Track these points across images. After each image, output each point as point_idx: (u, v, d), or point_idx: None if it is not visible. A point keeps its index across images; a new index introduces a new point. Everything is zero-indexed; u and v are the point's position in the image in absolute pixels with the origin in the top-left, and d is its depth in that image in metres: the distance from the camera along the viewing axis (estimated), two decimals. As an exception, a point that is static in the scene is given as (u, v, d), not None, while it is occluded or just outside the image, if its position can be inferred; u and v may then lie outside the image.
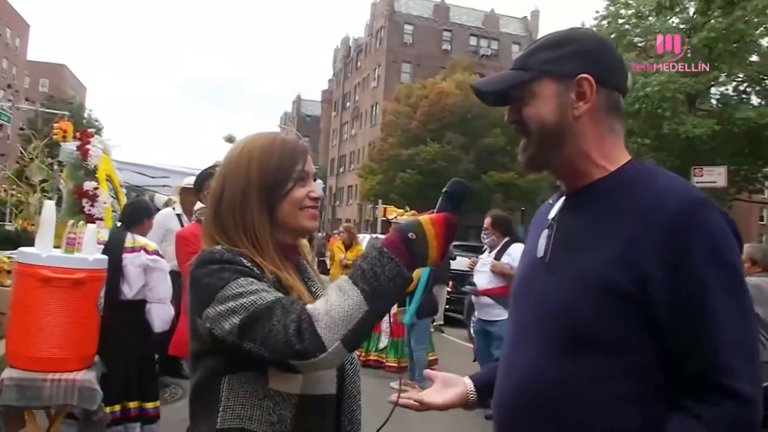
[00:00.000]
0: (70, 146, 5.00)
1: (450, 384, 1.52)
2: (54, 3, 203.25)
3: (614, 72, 1.32)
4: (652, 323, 1.13)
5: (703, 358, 1.11)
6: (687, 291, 1.11)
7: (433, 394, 1.51)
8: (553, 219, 1.34)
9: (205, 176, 3.59)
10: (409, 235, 1.24)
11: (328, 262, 23.06)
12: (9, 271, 5.14)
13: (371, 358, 8.21)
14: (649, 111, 20.90)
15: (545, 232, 1.33)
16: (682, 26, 21.93)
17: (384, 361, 8.14)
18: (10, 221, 9.20)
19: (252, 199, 1.38)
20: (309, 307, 1.20)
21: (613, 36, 22.54)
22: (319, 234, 35.08)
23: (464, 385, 1.52)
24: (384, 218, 9.05)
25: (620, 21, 22.81)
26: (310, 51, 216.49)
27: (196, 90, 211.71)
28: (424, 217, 1.27)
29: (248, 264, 1.30)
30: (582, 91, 1.26)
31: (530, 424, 1.23)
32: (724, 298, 1.11)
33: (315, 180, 1.50)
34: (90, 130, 5.00)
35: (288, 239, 1.43)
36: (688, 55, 21.22)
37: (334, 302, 1.19)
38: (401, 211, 8.85)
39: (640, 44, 23.01)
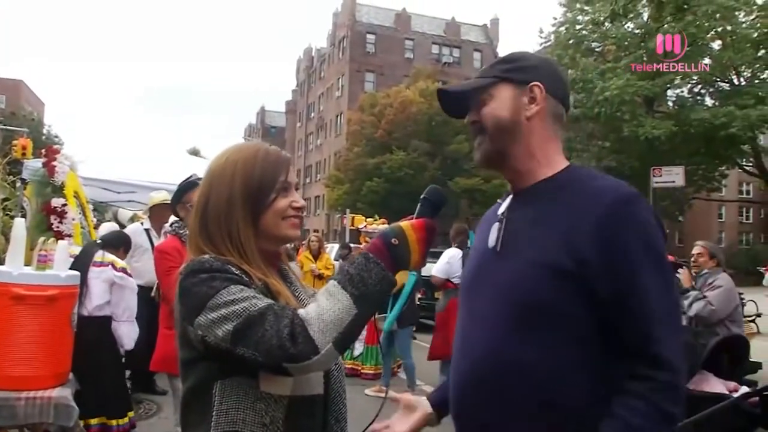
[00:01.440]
0: (34, 163, 4.95)
1: (412, 408, 1.63)
2: (6, 19, 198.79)
3: (560, 86, 1.53)
4: (591, 299, 1.30)
5: (636, 330, 1.29)
6: (621, 270, 1.30)
7: (399, 423, 1.61)
8: (502, 214, 1.50)
9: (184, 189, 3.58)
10: (392, 240, 1.31)
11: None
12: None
13: (347, 366, 8.17)
14: (608, 114, 21.38)
15: (496, 225, 1.50)
16: (637, 31, 22.52)
17: (359, 368, 8.15)
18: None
19: (236, 209, 1.41)
20: (300, 311, 1.24)
21: (571, 42, 23.06)
22: (288, 245, 34.95)
23: (424, 407, 1.63)
24: (353, 227, 9.09)
25: (578, 27, 23.32)
26: (273, 61, 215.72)
27: (158, 102, 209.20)
28: (405, 223, 1.35)
29: (237, 272, 1.33)
30: (533, 97, 1.47)
31: (486, 396, 1.38)
32: (653, 276, 1.30)
33: (297, 189, 1.54)
34: (55, 147, 4.94)
35: (272, 247, 1.47)
36: (644, 59, 21.82)
37: (324, 306, 1.24)
38: (371, 219, 8.90)
39: (597, 49, 23.56)
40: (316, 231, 42.95)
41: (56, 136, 50.14)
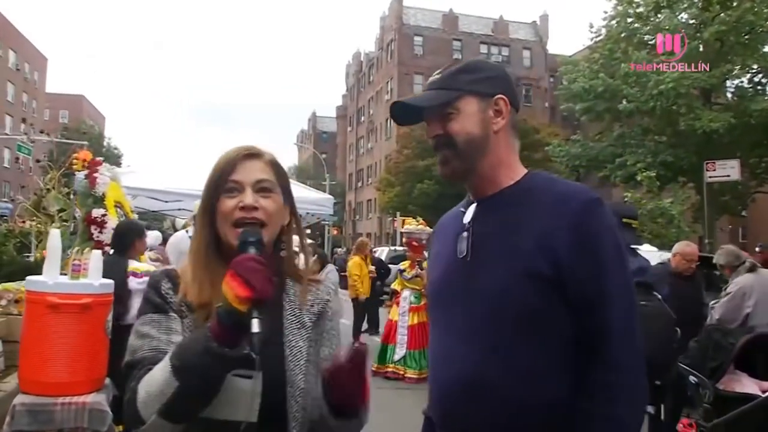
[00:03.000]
0: (81, 175, 5.11)
1: None
2: (70, 35, 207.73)
3: (516, 97, 1.54)
4: (567, 300, 1.34)
5: (597, 327, 1.34)
6: (593, 270, 1.35)
7: None
8: (469, 223, 1.49)
9: None
10: (218, 306, 1.20)
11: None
12: (28, 301, 5.27)
13: (388, 369, 8.23)
14: (664, 108, 20.74)
15: (463, 234, 1.49)
16: (691, 21, 21.76)
17: (402, 372, 8.14)
18: (30, 252, 9.36)
19: (200, 215, 1.42)
20: (144, 378, 1.22)
21: (623, 35, 22.48)
22: (340, 249, 35.32)
23: None
24: (402, 230, 9.12)
25: (629, 20, 22.70)
26: (323, 68, 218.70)
27: (212, 113, 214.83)
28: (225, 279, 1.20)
29: (165, 288, 1.35)
30: (499, 109, 1.48)
31: (476, 405, 1.38)
32: (619, 277, 1.37)
33: (269, 192, 1.40)
34: (97, 159, 5.10)
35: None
36: (700, 49, 21.07)
37: (153, 375, 1.21)
38: (410, 220, 8.87)
39: (650, 42, 22.86)
40: (368, 235, 43.15)
41: (116, 148, 52.17)
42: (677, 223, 17.12)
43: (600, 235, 1.37)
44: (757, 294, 5.00)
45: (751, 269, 5.15)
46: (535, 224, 1.38)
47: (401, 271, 8.47)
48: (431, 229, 7.52)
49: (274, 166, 1.46)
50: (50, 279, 3.14)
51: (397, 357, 8.21)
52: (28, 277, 3.33)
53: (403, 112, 1.55)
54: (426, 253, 8.46)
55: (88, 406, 3.11)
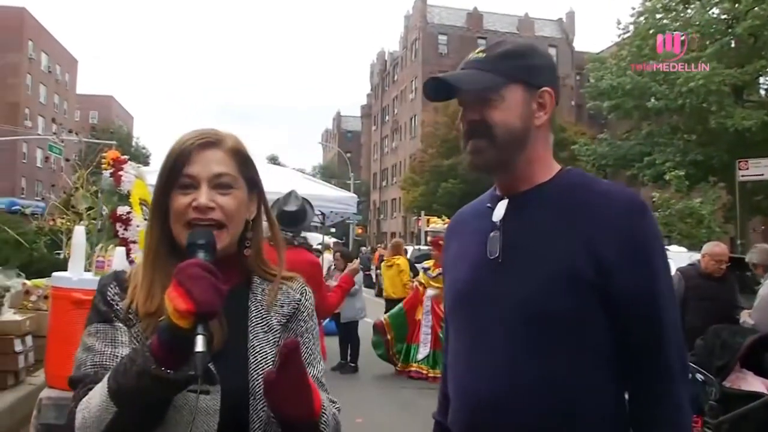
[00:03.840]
0: (107, 173, 5.16)
1: None
2: (99, 37, 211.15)
3: (559, 89, 1.43)
4: (611, 307, 1.25)
5: (649, 337, 1.27)
6: (642, 277, 1.27)
7: None
8: (500, 221, 1.38)
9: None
10: (160, 319, 1.07)
11: (373, 276, 23.18)
12: (56, 297, 5.35)
13: (412, 369, 8.23)
14: (694, 106, 20.39)
15: (494, 233, 1.37)
16: (723, 16, 21.35)
17: (426, 372, 8.10)
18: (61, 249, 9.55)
19: (151, 211, 1.28)
20: (83, 400, 1.11)
21: (651, 31, 22.13)
22: (364, 248, 35.36)
23: None
24: (428, 229, 9.08)
25: (658, 16, 22.35)
26: (348, 67, 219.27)
27: (237, 113, 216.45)
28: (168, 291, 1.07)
29: (112, 294, 1.23)
30: (543, 103, 1.37)
31: (507, 418, 1.27)
32: (666, 284, 1.31)
33: (229, 188, 1.24)
34: (123, 157, 5.14)
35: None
36: (732, 45, 20.65)
37: (90, 399, 1.09)
38: (435, 219, 8.83)
39: (681, 38, 22.49)
40: (393, 234, 43.09)
41: (144, 148, 52.95)
42: (707, 223, 16.82)
43: (651, 242, 1.30)
44: None
45: None
46: (578, 225, 1.29)
47: (426, 269, 8.45)
48: None
49: (237, 154, 1.28)
50: (75, 275, 3.17)
51: (420, 356, 8.19)
52: (54, 274, 3.37)
53: (436, 87, 1.40)
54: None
55: (113, 401, 3.14)
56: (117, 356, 1.16)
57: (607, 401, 1.27)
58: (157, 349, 1.02)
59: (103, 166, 9.70)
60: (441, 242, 8.32)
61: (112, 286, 1.24)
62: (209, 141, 1.25)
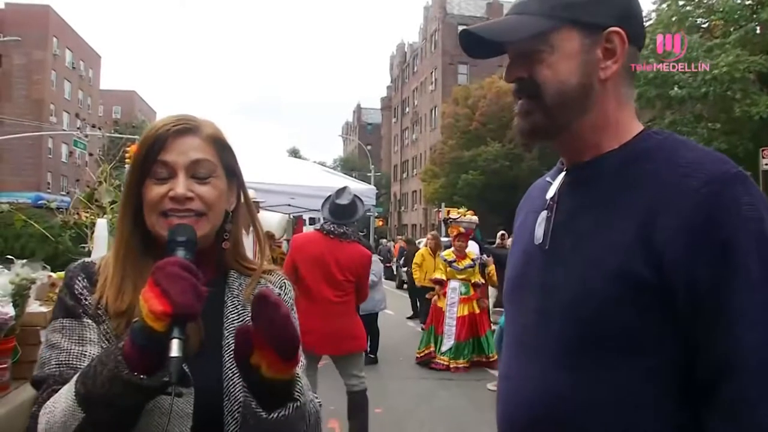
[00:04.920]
0: (127, 168, 5.29)
1: None
2: (122, 33, 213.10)
3: (641, 26, 1.12)
4: (674, 315, 0.96)
5: (716, 365, 0.94)
6: (715, 278, 0.93)
7: None
8: (552, 199, 1.14)
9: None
10: (134, 320, 0.99)
11: (394, 268, 23.22)
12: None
13: (434, 360, 8.29)
14: (718, 94, 20.05)
15: (543, 213, 1.14)
16: (748, 2, 20.95)
17: (448, 363, 8.16)
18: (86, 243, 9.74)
19: (123, 199, 1.20)
20: (47, 404, 1.03)
21: (674, 19, 21.81)
22: (384, 240, 35.41)
23: None
24: (447, 217, 9.04)
25: (681, 3, 22.01)
26: (367, 59, 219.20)
27: (259, 106, 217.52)
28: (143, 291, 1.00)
29: (80, 287, 1.15)
30: (611, 48, 1.06)
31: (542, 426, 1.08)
32: (758, 287, 0.92)
33: (207, 177, 1.16)
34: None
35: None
36: (757, 32, 20.24)
37: (55, 402, 1.01)
38: (463, 210, 8.80)
39: (703, 25, 22.15)
40: (414, 226, 42.97)
41: (167, 143, 53.35)
42: (732, 212, 16.59)
43: (732, 229, 0.93)
44: None
45: None
46: (640, 207, 0.99)
47: (451, 262, 8.41)
48: (476, 220, 7.41)
49: (215, 141, 1.20)
50: (98, 267, 3.26)
51: (444, 348, 8.24)
52: (77, 265, 3.46)
53: (477, 41, 1.12)
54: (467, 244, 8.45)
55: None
56: (85, 355, 1.09)
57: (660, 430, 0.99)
58: (130, 352, 0.95)
59: (126, 160, 9.88)
60: (462, 230, 8.35)
61: (80, 278, 1.16)
62: (186, 127, 1.17)
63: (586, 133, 1.10)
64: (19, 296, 4.36)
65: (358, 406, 4.70)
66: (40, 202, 15.70)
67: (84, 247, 10.30)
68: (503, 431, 1.17)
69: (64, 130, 45.18)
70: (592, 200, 1.07)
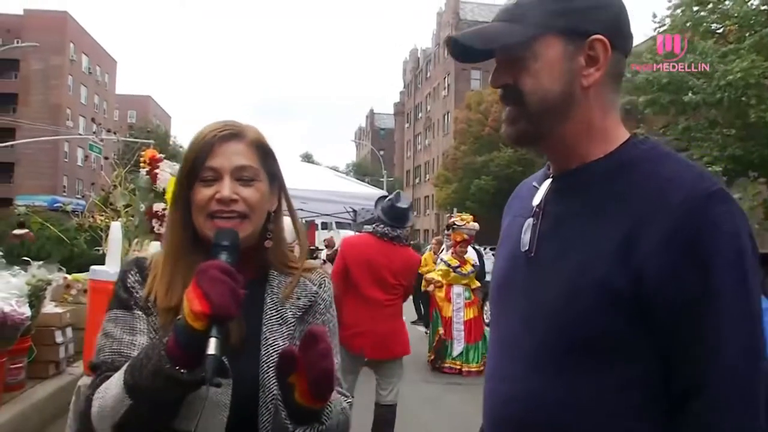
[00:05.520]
0: (143, 171, 5.36)
1: None
2: (137, 38, 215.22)
3: (625, 32, 1.12)
4: (652, 327, 0.98)
5: (689, 385, 0.97)
6: (688, 300, 0.96)
7: None
8: (538, 206, 1.15)
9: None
10: (177, 318, 1.08)
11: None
12: (95, 291, 5.59)
13: (446, 365, 8.36)
14: (732, 100, 19.89)
15: (529, 221, 1.16)
16: (763, 7, 20.81)
17: (459, 367, 8.26)
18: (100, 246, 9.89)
19: (172, 204, 1.30)
20: (100, 389, 1.14)
21: (688, 24, 21.71)
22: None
23: None
24: (450, 223, 9.11)
25: (695, 8, 21.90)
26: (381, 65, 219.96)
27: (273, 111, 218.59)
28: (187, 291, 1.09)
29: (132, 281, 1.25)
30: (594, 56, 1.07)
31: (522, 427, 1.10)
32: (733, 302, 0.95)
33: (251, 180, 1.24)
34: (158, 155, 5.33)
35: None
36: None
37: (107, 388, 1.12)
38: (468, 217, 8.86)
39: (718, 31, 22.06)
40: (426, 231, 42.92)
41: (181, 147, 53.69)
42: (747, 219, 16.45)
43: (711, 245, 0.95)
44: None
45: None
46: (623, 219, 1.00)
47: (455, 268, 8.46)
48: (477, 226, 7.43)
49: (258, 147, 1.28)
50: (112, 269, 3.32)
51: (456, 352, 8.35)
52: (92, 267, 3.53)
53: (463, 48, 1.13)
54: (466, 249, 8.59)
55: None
56: (135, 344, 1.18)
57: None
58: (172, 348, 1.04)
59: (141, 164, 9.97)
60: (465, 236, 8.46)
61: (132, 272, 1.26)
62: (231, 133, 1.25)
63: (571, 140, 1.11)
64: (35, 297, 4.46)
65: (387, 423, 4.54)
66: (56, 205, 15.94)
67: (98, 250, 10.40)
68: (487, 429, 1.21)
69: (80, 135, 45.68)
70: (577, 209, 1.09)
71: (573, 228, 1.07)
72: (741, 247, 0.97)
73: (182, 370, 1.03)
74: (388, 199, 4.70)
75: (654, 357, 0.99)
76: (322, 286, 1.36)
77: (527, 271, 1.13)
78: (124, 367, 1.10)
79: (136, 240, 3.62)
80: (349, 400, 1.32)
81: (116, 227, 3.52)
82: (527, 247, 1.14)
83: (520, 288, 1.14)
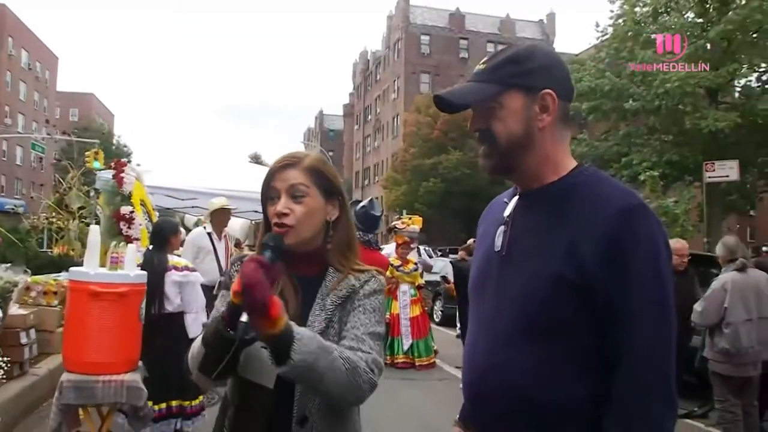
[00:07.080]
0: (106, 174, 5.43)
1: None
2: (80, 34, 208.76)
3: (569, 86, 1.47)
4: (592, 310, 1.29)
5: (619, 346, 1.28)
6: (619, 284, 1.27)
7: None
8: (509, 216, 1.48)
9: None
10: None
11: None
12: (55, 292, 5.60)
13: (399, 360, 8.72)
14: (669, 107, 20.76)
15: (501, 228, 1.48)
16: (699, 20, 21.82)
17: (413, 361, 8.70)
18: (49, 248, 9.77)
19: (263, 215, 1.68)
20: (197, 340, 1.54)
21: (629, 34, 22.57)
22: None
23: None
24: (391, 226, 9.56)
25: (637, 18, 22.77)
26: (330, 66, 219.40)
27: (227, 114, 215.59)
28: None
29: (232, 271, 1.63)
30: (545, 105, 1.40)
31: (493, 401, 1.41)
32: (647, 289, 1.28)
33: (301, 197, 1.58)
34: (123, 160, 5.42)
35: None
36: (708, 47, 21.11)
37: (198, 340, 1.52)
38: (416, 218, 9.31)
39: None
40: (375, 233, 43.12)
41: (125, 146, 52.58)
42: (681, 222, 17.28)
43: (632, 246, 1.28)
44: (737, 292, 5.04)
45: (741, 269, 5.16)
46: (569, 227, 1.33)
47: (397, 267, 8.90)
48: (418, 229, 7.89)
49: (311, 170, 1.61)
50: (91, 270, 3.44)
51: (405, 347, 8.76)
52: (72, 268, 3.64)
53: (448, 102, 1.44)
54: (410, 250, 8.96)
55: (126, 383, 3.42)
56: (212, 319, 1.54)
57: (573, 400, 1.31)
58: (225, 315, 1.42)
59: (87, 162, 9.91)
60: (407, 239, 8.94)
61: (235, 265, 1.65)
62: (288, 163, 1.62)
63: (532, 168, 1.45)
64: (2, 299, 4.51)
65: None
66: (6, 207, 15.52)
67: (46, 251, 10.24)
68: (465, 394, 1.53)
69: (20, 133, 44.20)
70: (536, 220, 1.42)
71: (535, 234, 1.41)
72: (655, 248, 1.30)
73: (229, 330, 1.39)
74: (362, 205, 4.88)
75: (589, 332, 1.31)
76: (361, 280, 1.63)
77: (500, 267, 1.45)
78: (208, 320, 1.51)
79: (114, 243, 3.74)
80: (378, 363, 1.56)
81: (95, 230, 3.64)
82: (500, 248, 1.47)
83: (493, 281, 1.46)
